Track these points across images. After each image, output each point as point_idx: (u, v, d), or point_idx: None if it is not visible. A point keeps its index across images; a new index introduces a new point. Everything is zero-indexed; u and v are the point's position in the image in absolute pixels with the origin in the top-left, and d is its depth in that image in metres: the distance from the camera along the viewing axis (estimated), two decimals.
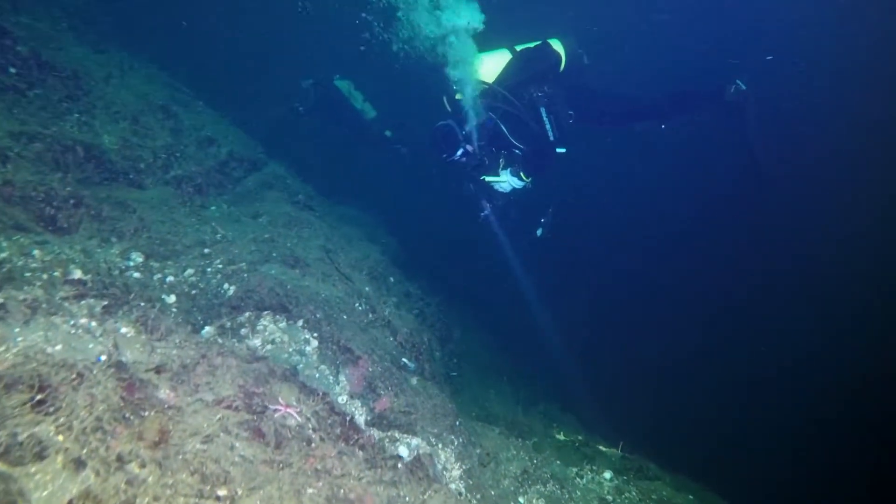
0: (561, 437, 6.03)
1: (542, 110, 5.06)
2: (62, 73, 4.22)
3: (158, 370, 1.92)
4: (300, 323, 3.08)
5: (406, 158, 9.25)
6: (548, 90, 5.17)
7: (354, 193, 9.07)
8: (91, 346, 1.92)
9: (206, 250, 3.28)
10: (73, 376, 1.70)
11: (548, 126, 5.07)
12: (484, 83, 4.82)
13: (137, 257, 3.02)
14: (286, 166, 5.95)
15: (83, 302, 2.21)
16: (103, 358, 1.87)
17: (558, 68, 5.33)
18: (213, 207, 4.06)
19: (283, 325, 3.06)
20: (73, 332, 1.95)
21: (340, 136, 9.58)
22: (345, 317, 3.33)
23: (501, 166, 5.11)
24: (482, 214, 5.10)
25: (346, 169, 10.64)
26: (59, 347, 1.83)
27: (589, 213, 9.00)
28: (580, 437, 6.30)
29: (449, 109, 4.98)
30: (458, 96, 4.71)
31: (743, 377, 7.84)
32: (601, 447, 6.15)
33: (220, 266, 3.22)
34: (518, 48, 5.20)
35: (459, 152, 4.75)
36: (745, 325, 8.21)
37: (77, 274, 2.62)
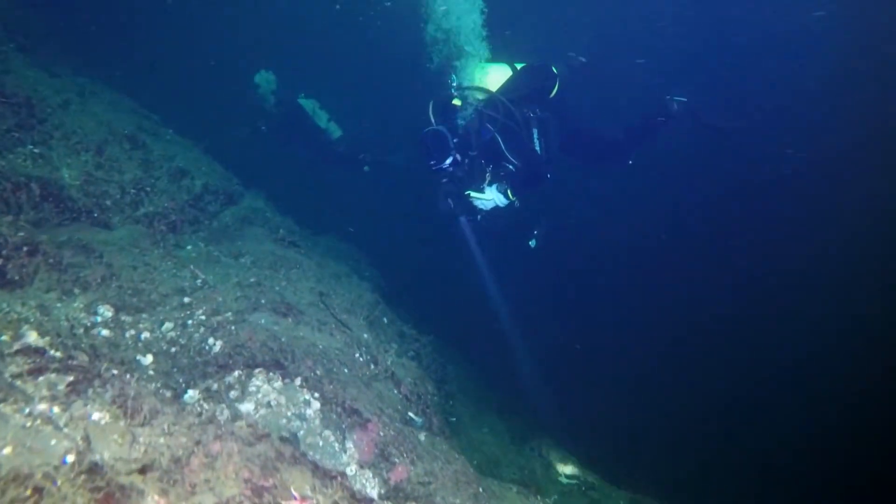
0: (563, 479, 5.72)
1: (535, 131, 4.94)
2: (12, 100, 3.76)
3: (144, 470, 1.52)
4: (298, 381, 2.69)
5: (370, 177, 8.99)
6: (539, 113, 5.07)
7: (332, 220, 8.71)
8: (53, 442, 1.51)
9: (186, 299, 2.87)
10: (28, 492, 1.30)
11: (537, 147, 4.95)
12: (487, 91, 4.62)
13: (106, 311, 2.58)
14: (263, 198, 5.56)
15: (41, 378, 1.79)
16: (70, 459, 1.47)
17: (550, 92, 5.24)
18: (188, 247, 3.64)
19: (278, 384, 2.66)
20: (28, 424, 1.53)
21: (306, 158, 9.26)
22: (346, 371, 2.96)
23: (487, 182, 4.88)
24: (477, 218, 4.83)
25: (319, 193, 10.29)
26: (7, 451, 1.41)
27: (581, 225, 8.91)
28: (579, 476, 6.01)
29: (433, 120, 4.71)
30: (455, 101, 4.46)
31: (734, 396, 7.77)
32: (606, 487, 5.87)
33: (203, 317, 2.81)
34: (517, 65, 5.11)
35: (449, 160, 4.48)
36: (735, 344, 8.19)
37: (32, 337, 2.19)
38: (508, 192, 4.56)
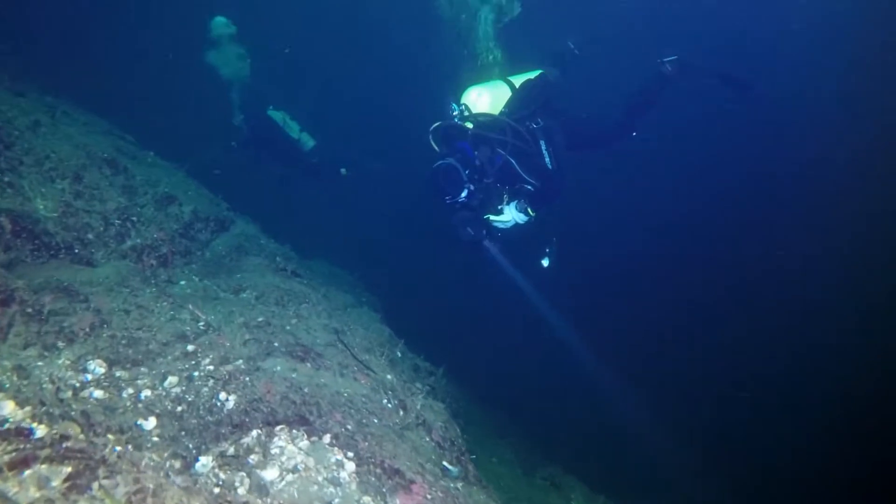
0: None
1: (542, 142, 4.81)
2: None
3: None
4: (327, 439, 2.33)
5: (349, 184, 8.71)
6: (541, 122, 4.95)
7: (320, 241, 8.37)
8: None
9: (189, 347, 2.48)
10: None
11: (547, 158, 4.82)
12: (490, 115, 4.46)
13: (97, 367, 2.18)
14: (254, 222, 5.18)
15: (29, 473, 1.40)
16: None
17: (550, 101, 5.14)
18: (182, 282, 3.24)
19: (304, 443, 2.29)
20: None
21: (281, 172, 8.91)
22: (376, 420, 2.61)
23: (505, 202, 4.75)
24: (487, 244, 4.65)
25: (303, 209, 9.95)
26: None
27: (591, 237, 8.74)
28: None
29: (437, 149, 4.60)
30: (468, 124, 4.29)
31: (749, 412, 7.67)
32: None
33: (211, 368, 2.43)
34: (512, 79, 4.96)
35: (464, 193, 4.33)
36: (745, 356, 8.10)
37: (8, 408, 1.79)
38: (528, 209, 4.39)
